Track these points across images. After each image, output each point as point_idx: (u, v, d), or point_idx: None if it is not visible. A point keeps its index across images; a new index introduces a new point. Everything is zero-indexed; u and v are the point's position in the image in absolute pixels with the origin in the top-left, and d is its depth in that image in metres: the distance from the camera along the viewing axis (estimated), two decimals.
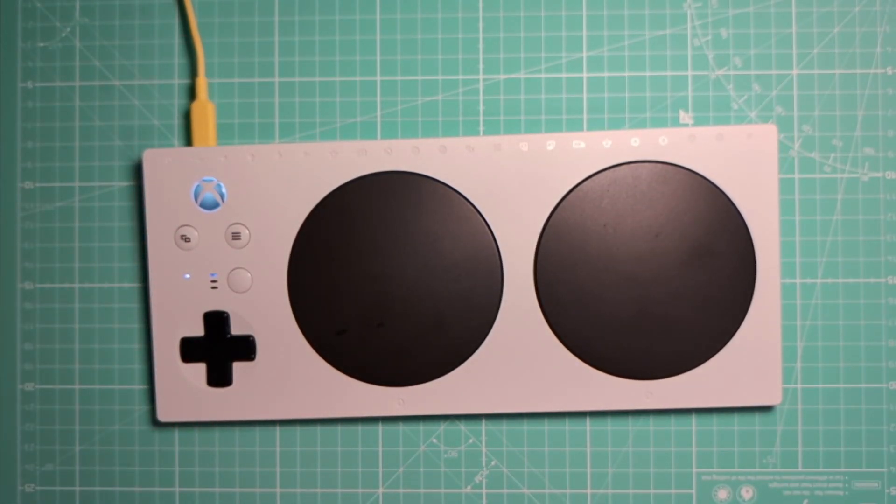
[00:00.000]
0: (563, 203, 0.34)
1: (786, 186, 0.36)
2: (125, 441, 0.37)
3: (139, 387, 0.37)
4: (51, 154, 0.38)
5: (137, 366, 0.37)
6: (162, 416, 0.35)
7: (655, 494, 0.36)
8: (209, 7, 0.37)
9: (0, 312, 0.38)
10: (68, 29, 0.38)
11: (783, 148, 0.36)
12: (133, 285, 0.37)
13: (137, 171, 0.37)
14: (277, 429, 0.37)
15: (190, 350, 0.35)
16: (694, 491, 0.36)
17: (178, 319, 0.35)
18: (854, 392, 0.36)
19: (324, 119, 0.37)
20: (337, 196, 0.34)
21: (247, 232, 0.35)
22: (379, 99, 0.37)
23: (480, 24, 0.36)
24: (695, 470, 0.36)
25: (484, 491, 0.36)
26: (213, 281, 0.35)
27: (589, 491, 0.36)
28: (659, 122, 0.36)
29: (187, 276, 0.35)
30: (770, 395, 0.34)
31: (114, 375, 0.37)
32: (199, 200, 0.35)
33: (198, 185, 0.35)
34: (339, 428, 0.37)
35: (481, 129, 0.36)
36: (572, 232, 0.34)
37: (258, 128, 0.37)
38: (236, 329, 0.35)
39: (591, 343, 0.34)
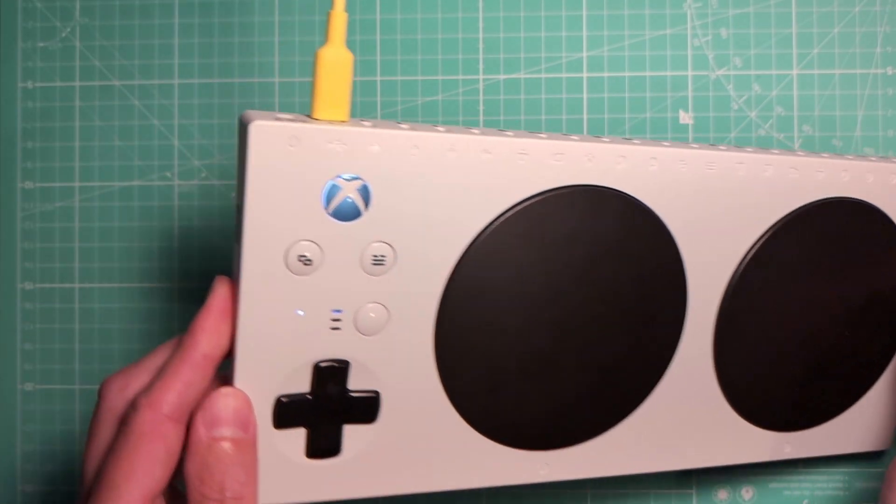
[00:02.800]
0: (765, 242, 0.29)
1: None
2: None
3: None
4: (51, 154, 0.38)
5: None
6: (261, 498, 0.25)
7: (655, 494, 0.36)
8: (209, 7, 0.37)
9: (0, 312, 0.38)
10: (68, 29, 0.38)
11: (783, 147, 0.36)
12: (133, 285, 0.37)
13: (141, 170, 0.37)
14: None
15: (289, 413, 0.25)
16: (694, 491, 0.36)
17: (275, 371, 0.24)
18: None
19: None
20: (520, 213, 0.25)
21: (391, 253, 0.24)
22: (379, 99, 0.37)
23: (480, 24, 0.36)
24: (695, 470, 0.36)
25: None
26: (336, 319, 0.24)
27: (589, 490, 0.36)
28: (659, 122, 0.36)
29: (300, 311, 0.24)
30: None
31: None
32: (332, 206, 0.23)
33: (332, 184, 0.23)
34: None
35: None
36: (770, 273, 0.29)
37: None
38: (355, 382, 0.25)
39: (762, 399, 0.31)
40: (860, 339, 0.32)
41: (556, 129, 0.36)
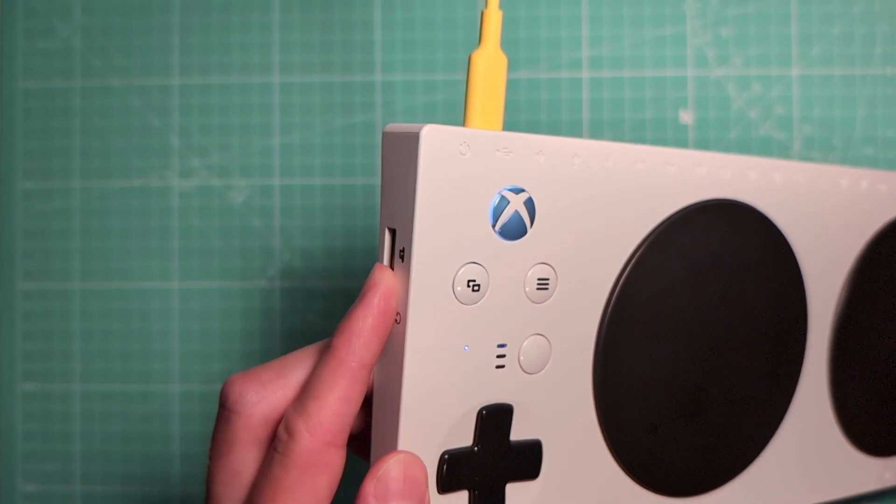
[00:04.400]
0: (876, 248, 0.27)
1: None
2: (126, 440, 0.37)
3: (139, 386, 0.37)
4: (51, 154, 0.38)
5: (137, 365, 0.37)
6: None
7: None
8: (209, 6, 0.37)
9: (0, 312, 0.38)
10: (68, 29, 0.38)
11: (783, 148, 0.36)
12: (133, 285, 0.37)
13: (141, 170, 0.37)
14: None
15: (454, 473, 0.21)
16: None
17: (441, 421, 0.20)
18: None
19: (324, 119, 0.37)
20: (671, 231, 0.23)
21: (554, 277, 0.21)
22: (379, 99, 0.37)
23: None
24: None
25: None
26: (501, 356, 0.21)
27: None
28: (659, 122, 0.36)
29: (467, 347, 0.20)
30: None
31: (114, 375, 0.37)
32: (500, 223, 0.20)
33: (501, 197, 0.20)
34: None
35: None
36: (882, 305, 0.28)
37: (258, 128, 0.37)
38: (517, 432, 0.22)
39: (876, 427, 0.29)
40: None
41: (556, 129, 0.36)
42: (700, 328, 0.24)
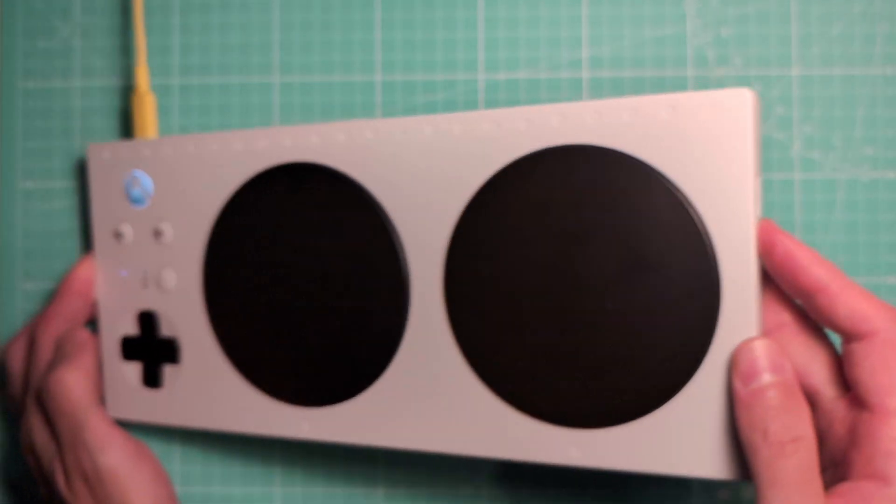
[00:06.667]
0: (474, 202, 0.28)
1: (785, 187, 0.36)
2: None
3: None
4: (51, 154, 0.38)
5: None
6: (111, 411, 0.35)
7: (655, 494, 0.36)
8: (208, 5, 0.37)
9: (0, 312, 0.38)
10: (68, 29, 0.38)
11: (782, 148, 0.36)
12: None
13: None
14: None
15: (128, 348, 0.34)
16: (693, 490, 0.36)
17: (118, 317, 0.35)
18: None
19: (324, 119, 0.37)
20: (247, 192, 0.32)
21: (170, 229, 0.33)
22: (379, 99, 0.37)
23: (480, 24, 0.36)
24: None
25: (485, 491, 0.37)
26: (144, 280, 0.34)
27: (589, 491, 0.36)
28: None
29: (124, 273, 0.34)
30: (740, 466, 0.25)
31: None
32: (130, 196, 0.34)
33: (128, 180, 0.34)
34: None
35: None
36: (486, 240, 0.28)
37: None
38: (166, 330, 0.34)
39: (510, 376, 0.28)
40: (631, 311, 0.26)
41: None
42: (284, 270, 0.31)
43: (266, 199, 0.31)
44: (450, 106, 0.36)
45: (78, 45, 0.38)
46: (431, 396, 0.29)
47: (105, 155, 0.34)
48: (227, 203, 0.32)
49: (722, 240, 0.25)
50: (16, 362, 0.35)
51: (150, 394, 0.34)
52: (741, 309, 0.25)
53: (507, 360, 0.28)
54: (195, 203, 0.33)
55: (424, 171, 0.29)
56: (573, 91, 0.36)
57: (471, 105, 0.36)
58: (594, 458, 0.27)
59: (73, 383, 0.32)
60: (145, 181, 0.34)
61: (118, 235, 0.34)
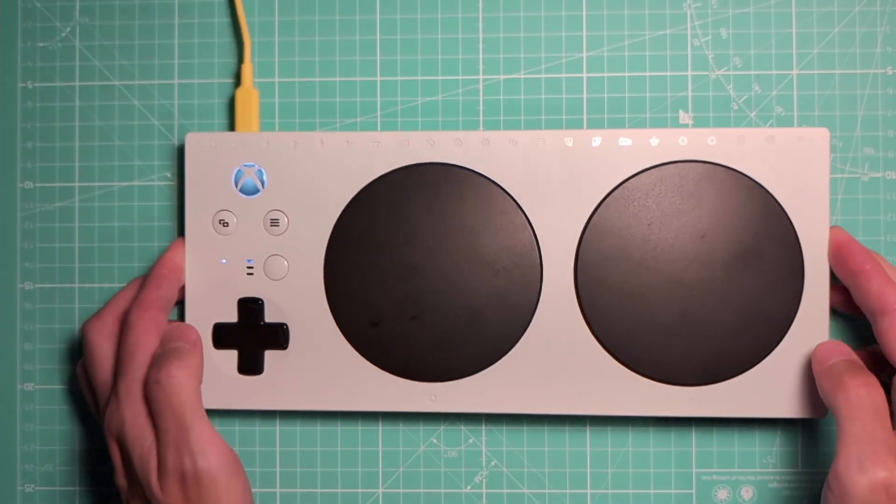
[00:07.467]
0: (607, 201, 0.34)
1: None
2: None
3: None
4: (51, 154, 0.38)
5: None
6: (205, 401, 0.33)
7: (655, 494, 0.36)
8: (208, 7, 0.37)
9: (0, 312, 0.38)
10: (68, 29, 0.38)
11: None
12: None
13: (141, 170, 0.37)
14: (277, 428, 0.37)
15: (222, 336, 0.35)
16: (694, 491, 0.36)
17: (212, 304, 0.35)
18: None
19: (324, 119, 0.37)
20: (377, 186, 0.34)
21: (285, 219, 0.34)
22: (379, 99, 0.37)
23: (480, 24, 0.36)
24: (695, 470, 0.36)
25: (484, 491, 0.37)
26: (250, 267, 0.35)
27: (589, 491, 0.36)
28: (659, 123, 0.36)
29: (224, 261, 0.35)
30: (815, 407, 0.33)
31: None
32: (240, 186, 0.34)
33: (238, 170, 0.34)
34: (338, 428, 0.37)
35: (481, 129, 0.36)
36: (615, 231, 0.33)
37: (259, 128, 0.37)
38: (270, 317, 0.35)
39: (631, 345, 0.34)
40: (736, 292, 0.33)
41: (557, 128, 0.36)
42: (417, 257, 0.34)
43: (393, 195, 0.34)
44: (450, 106, 0.36)
45: (78, 45, 0.38)
46: (560, 365, 0.34)
47: (207, 145, 0.34)
48: (355, 196, 0.34)
49: (805, 237, 0.33)
50: (105, 342, 0.34)
51: (247, 381, 0.35)
52: (818, 290, 0.33)
53: (629, 331, 0.34)
54: (319, 195, 0.34)
55: (563, 175, 0.34)
56: (573, 91, 0.36)
57: (471, 105, 0.36)
58: (704, 409, 0.34)
59: (186, 382, 0.31)
60: (260, 172, 0.34)
61: (223, 223, 0.34)
